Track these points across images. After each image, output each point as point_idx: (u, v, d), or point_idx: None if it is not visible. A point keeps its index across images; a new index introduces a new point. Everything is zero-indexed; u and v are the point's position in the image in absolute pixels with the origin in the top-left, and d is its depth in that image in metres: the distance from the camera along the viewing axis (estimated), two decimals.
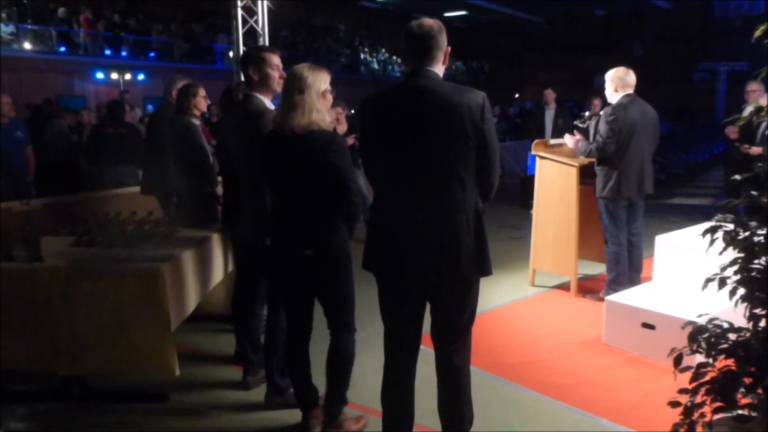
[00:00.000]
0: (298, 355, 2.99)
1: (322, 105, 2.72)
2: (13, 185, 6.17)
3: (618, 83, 4.76)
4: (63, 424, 3.23)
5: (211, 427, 3.20)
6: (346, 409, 3.00)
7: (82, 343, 3.10)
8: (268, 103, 3.26)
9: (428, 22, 2.39)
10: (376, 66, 26.44)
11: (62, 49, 16.59)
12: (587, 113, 5.71)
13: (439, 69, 2.40)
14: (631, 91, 4.75)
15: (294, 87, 2.69)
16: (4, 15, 15.22)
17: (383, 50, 27.25)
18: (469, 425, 2.56)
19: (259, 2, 6.42)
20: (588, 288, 5.31)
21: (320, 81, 2.73)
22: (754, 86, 6.62)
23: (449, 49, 2.44)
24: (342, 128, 4.85)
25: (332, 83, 2.87)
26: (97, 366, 3.18)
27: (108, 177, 6.61)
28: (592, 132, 5.35)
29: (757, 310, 2.03)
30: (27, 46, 15.74)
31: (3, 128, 6.21)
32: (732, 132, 6.42)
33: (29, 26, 15.97)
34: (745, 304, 2.05)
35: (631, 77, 4.77)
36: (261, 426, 3.16)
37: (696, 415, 1.99)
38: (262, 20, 6.46)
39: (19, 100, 12.84)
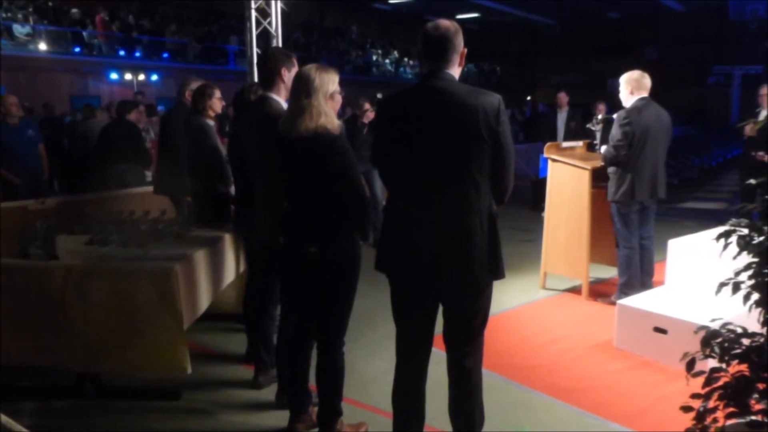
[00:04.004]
0: (299, 355, 2.98)
1: (329, 108, 2.67)
2: (28, 183, 6.25)
3: (634, 86, 4.73)
4: (77, 421, 3.26)
5: (222, 425, 3.22)
6: (342, 418, 2.95)
7: (97, 340, 3.14)
8: (284, 104, 3.23)
9: (445, 23, 2.37)
10: (388, 67, 26.49)
11: (77, 49, 16.75)
12: (600, 116, 5.70)
13: (456, 71, 2.39)
14: (646, 94, 4.73)
15: (301, 90, 2.65)
16: (20, 16, 15.40)
17: (395, 52, 27.29)
18: (480, 427, 2.56)
19: (273, 4, 6.44)
20: (599, 291, 5.29)
21: (328, 83, 2.68)
22: (766, 90, 6.57)
23: (465, 50, 2.41)
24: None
25: (345, 85, 2.85)
26: (110, 364, 3.22)
27: (111, 176, 6.65)
28: (599, 136, 5.34)
29: None
30: (42, 46, 15.90)
31: (14, 128, 6.27)
32: (749, 130, 6.41)
33: (45, 27, 16.14)
34: (759, 309, 2.04)
35: (647, 81, 4.74)
36: (271, 425, 3.17)
37: (708, 420, 1.98)
38: (275, 22, 6.47)
39: (34, 100, 13.01)
